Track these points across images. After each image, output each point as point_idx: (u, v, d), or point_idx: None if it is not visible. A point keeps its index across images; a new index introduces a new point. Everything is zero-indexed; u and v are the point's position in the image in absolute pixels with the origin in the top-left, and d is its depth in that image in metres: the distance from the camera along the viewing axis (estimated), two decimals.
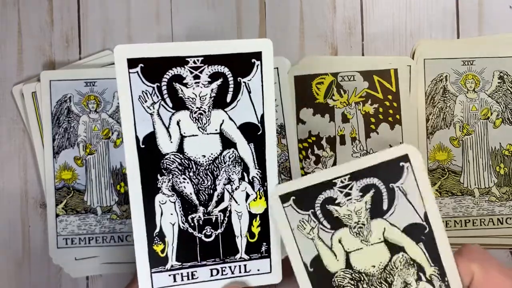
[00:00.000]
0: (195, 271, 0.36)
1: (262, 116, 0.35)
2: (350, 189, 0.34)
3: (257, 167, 0.36)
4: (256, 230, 0.36)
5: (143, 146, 0.34)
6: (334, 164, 0.44)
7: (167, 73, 0.34)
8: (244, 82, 0.35)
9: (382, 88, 0.44)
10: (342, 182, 0.34)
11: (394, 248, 0.34)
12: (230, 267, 0.36)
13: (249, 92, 0.35)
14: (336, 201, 0.34)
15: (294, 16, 0.48)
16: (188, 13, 0.48)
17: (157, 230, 0.35)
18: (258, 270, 0.36)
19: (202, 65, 0.34)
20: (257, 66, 0.35)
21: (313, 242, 0.34)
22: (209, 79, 0.35)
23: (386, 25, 0.47)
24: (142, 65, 0.34)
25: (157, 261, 0.35)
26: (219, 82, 0.35)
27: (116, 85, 0.34)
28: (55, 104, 0.46)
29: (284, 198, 0.34)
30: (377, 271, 0.34)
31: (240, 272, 0.36)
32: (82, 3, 0.48)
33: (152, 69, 0.34)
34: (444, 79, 0.45)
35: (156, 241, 0.35)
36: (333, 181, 0.34)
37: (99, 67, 0.46)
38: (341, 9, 0.48)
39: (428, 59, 0.45)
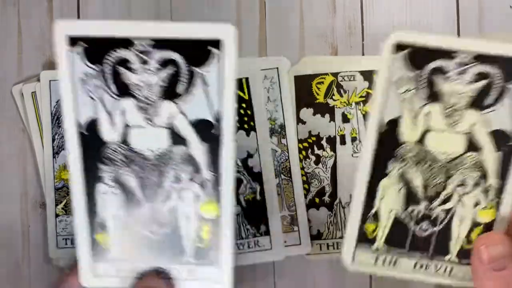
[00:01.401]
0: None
1: (220, 113, 0.31)
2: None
3: (210, 170, 0.32)
4: (206, 235, 0.33)
5: (86, 133, 0.32)
6: (335, 164, 0.44)
7: (111, 55, 0.31)
8: (199, 73, 0.31)
9: None
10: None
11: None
12: (176, 269, 0.33)
13: (206, 85, 0.31)
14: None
15: (294, 16, 0.48)
16: (188, 13, 0.48)
17: (99, 219, 0.33)
18: (207, 277, 0.33)
19: (151, 49, 0.31)
20: (216, 55, 0.31)
21: (402, 104, 0.33)
22: (159, 66, 0.31)
23: (386, 25, 0.47)
24: (85, 44, 0.30)
25: (98, 250, 0.33)
26: (169, 70, 0.31)
27: None
28: (55, 104, 0.46)
29: (400, 47, 0.32)
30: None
31: (188, 276, 0.34)
32: (82, 3, 0.48)
33: (95, 49, 0.30)
34: None
35: (99, 231, 0.33)
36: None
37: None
38: (341, 9, 0.48)
39: None
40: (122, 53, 0.31)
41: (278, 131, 0.44)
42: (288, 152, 0.44)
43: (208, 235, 0.33)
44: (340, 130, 0.44)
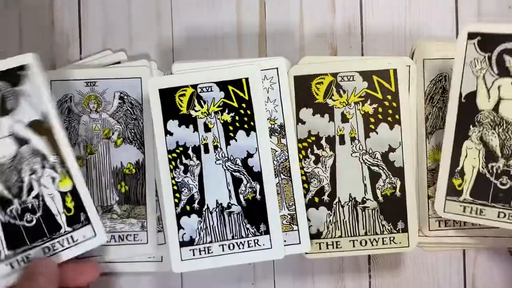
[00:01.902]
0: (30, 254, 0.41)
1: (45, 112, 0.41)
2: None
3: (53, 154, 0.41)
4: (70, 204, 0.41)
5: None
6: (334, 164, 0.45)
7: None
8: (19, 89, 0.41)
9: (382, 88, 0.44)
10: None
11: None
12: (59, 242, 0.41)
13: (27, 96, 0.41)
14: None
15: (294, 16, 0.48)
16: (188, 13, 0.48)
17: None
18: (84, 236, 0.42)
19: None
20: (25, 75, 0.41)
21: (477, 80, 0.41)
22: None
23: (385, 25, 0.47)
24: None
25: None
26: None
27: (115, 85, 0.42)
28: (56, 104, 0.46)
29: (471, 35, 0.41)
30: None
31: (69, 243, 0.41)
32: (83, 3, 0.48)
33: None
34: (443, 79, 0.46)
35: None
36: None
37: (100, 67, 0.46)
38: (341, 9, 0.48)
39: (427, 59, 0.45)
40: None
41: (278, 131, 0.44)
42: (287, 152, 0.44)
43: (72, 204, 0.42)
44: (339, 130, 0.44)
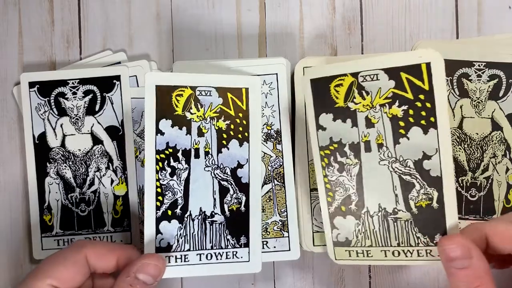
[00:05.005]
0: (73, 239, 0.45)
1: (123, 122, 0.45)
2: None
3: (119, 159, 0.45)
4: (119, 208, 0.45)
5: (37, 142, 0.46)
6: (360, 172, 0.40)
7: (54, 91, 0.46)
8: (108, 97, 0.46)
9: (412, 87, 0.38)
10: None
11: None
12: (100, 237, 0.45)
13: (112, 104, 0.46)
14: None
15: (294, 16, 0.48)
16: (188, 13, 0.48)
17: (46, 204, 0.46)
18: (121, 241, 0.45)
19: (79, 85, 0.46)
20: (118, 85, 0.45)
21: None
22: (83, 94, 0.46)
23: (385, 25, 0.47)
24: (38, 86, 0.46)
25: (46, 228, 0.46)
26: (89, 96, 0.46)
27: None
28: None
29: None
30: None
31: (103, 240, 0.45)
32: (83, 3, 0.48)
33: (44, 88, 0.46)
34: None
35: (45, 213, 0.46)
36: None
37: (100, 67, 0.46)
38: (340, 9, 0.48)
39: None
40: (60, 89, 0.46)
41: (274, 137, 0.44)
42: (282, 158, 0.44)
43: (121, 208, 0.45)
44: (364, 136, 0.40)
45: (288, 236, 0.43)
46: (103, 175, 0.45)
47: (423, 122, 0.38)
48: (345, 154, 0.41)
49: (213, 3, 0.48)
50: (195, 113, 0.42)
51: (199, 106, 0.42)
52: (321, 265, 0.47)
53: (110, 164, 0.45)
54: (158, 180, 0.42)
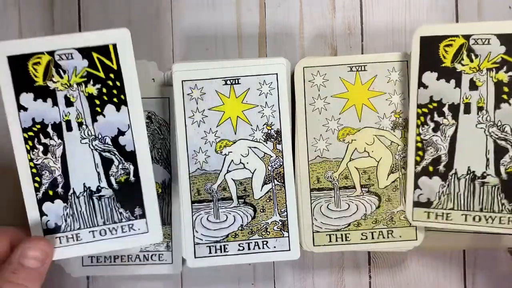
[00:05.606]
0: None
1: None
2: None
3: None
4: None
5: None
6: (455, 134, 0.41)
7: None
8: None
9: None
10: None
11: None
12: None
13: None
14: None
15: (294, 17, 0.48)
16: (188, 13, 0.48)
17: None
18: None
19: None
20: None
21: None
22: None
23: (385, 25, 0.48)
24: None
25: None
26: None
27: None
28: None
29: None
30: None
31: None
32: (83, 3, 0.48)
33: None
34: None
35: None
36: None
37: None
38: (340, 9, 0.48)
39: None
40: None
41: (274, 137, 0.44)
42: (282, 158, 0.44)
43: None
44: (466, 98, 0.40)
45: (288, 236, 0.43)
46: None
47: None
48: (443, 114, 0.41)
49: (213, 3, 0.48)
50: (58, 81, 0.38)
51: (62, 73, 0.38)
52: (321, 265, 0.47)
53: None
54: (31, 160, 0.39)
